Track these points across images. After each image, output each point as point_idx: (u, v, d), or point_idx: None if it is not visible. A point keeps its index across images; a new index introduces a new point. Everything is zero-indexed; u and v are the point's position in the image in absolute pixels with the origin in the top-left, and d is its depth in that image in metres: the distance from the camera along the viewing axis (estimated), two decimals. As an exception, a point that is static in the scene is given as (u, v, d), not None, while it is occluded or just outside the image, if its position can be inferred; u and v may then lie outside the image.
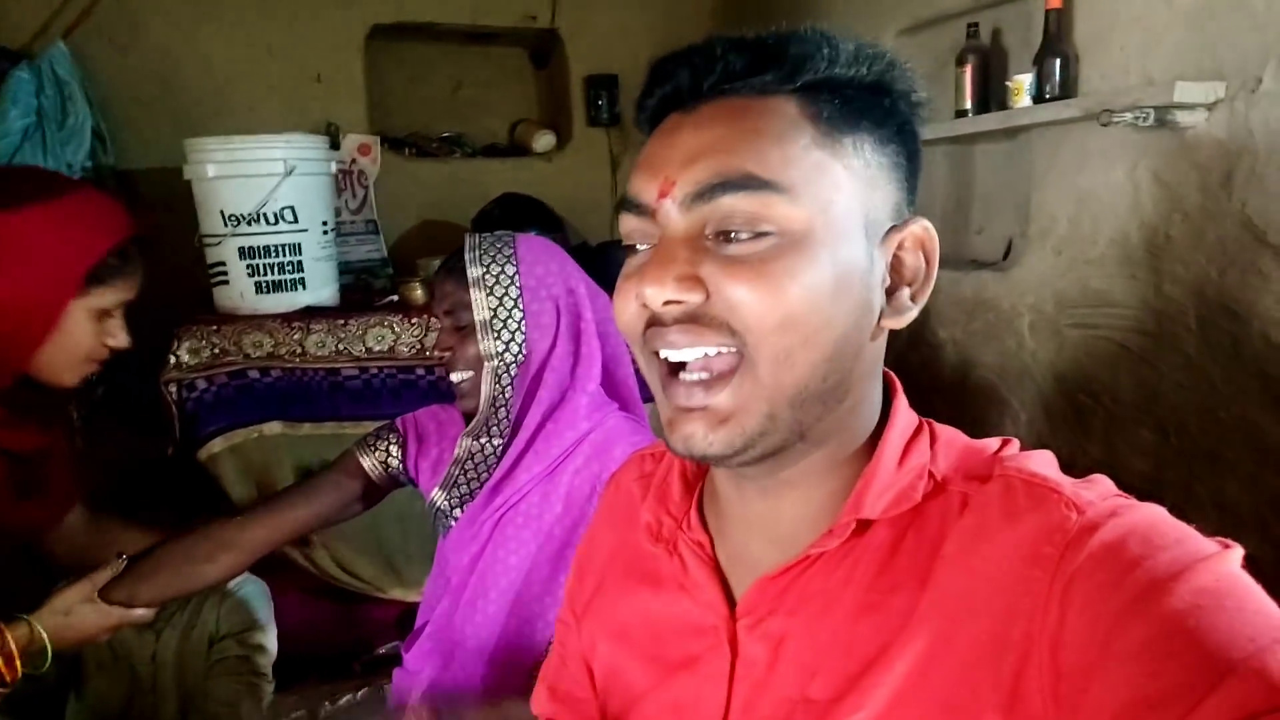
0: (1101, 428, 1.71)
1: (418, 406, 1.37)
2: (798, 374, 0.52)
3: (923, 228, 0.57)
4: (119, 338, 1.14)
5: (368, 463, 1.27)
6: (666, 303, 0.52)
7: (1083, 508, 0.49)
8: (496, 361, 1.18)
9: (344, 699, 1.91)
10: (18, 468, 1.10)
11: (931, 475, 0.56)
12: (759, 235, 0.51)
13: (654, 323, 0.54)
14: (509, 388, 1.20)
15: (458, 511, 1.21)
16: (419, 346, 2.00)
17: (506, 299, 1.19)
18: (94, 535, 1.34)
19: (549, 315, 1.21)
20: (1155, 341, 1.59)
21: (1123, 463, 1.65)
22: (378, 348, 1.99)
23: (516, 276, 1.20)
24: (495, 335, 1.18)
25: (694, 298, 0.52)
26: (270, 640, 1.81)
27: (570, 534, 1.20)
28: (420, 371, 2.00)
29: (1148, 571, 0.44)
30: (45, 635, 1.10)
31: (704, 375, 0.53)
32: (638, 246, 0.57)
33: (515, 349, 1.19)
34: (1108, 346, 1.70)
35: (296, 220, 2.04)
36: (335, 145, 2.55)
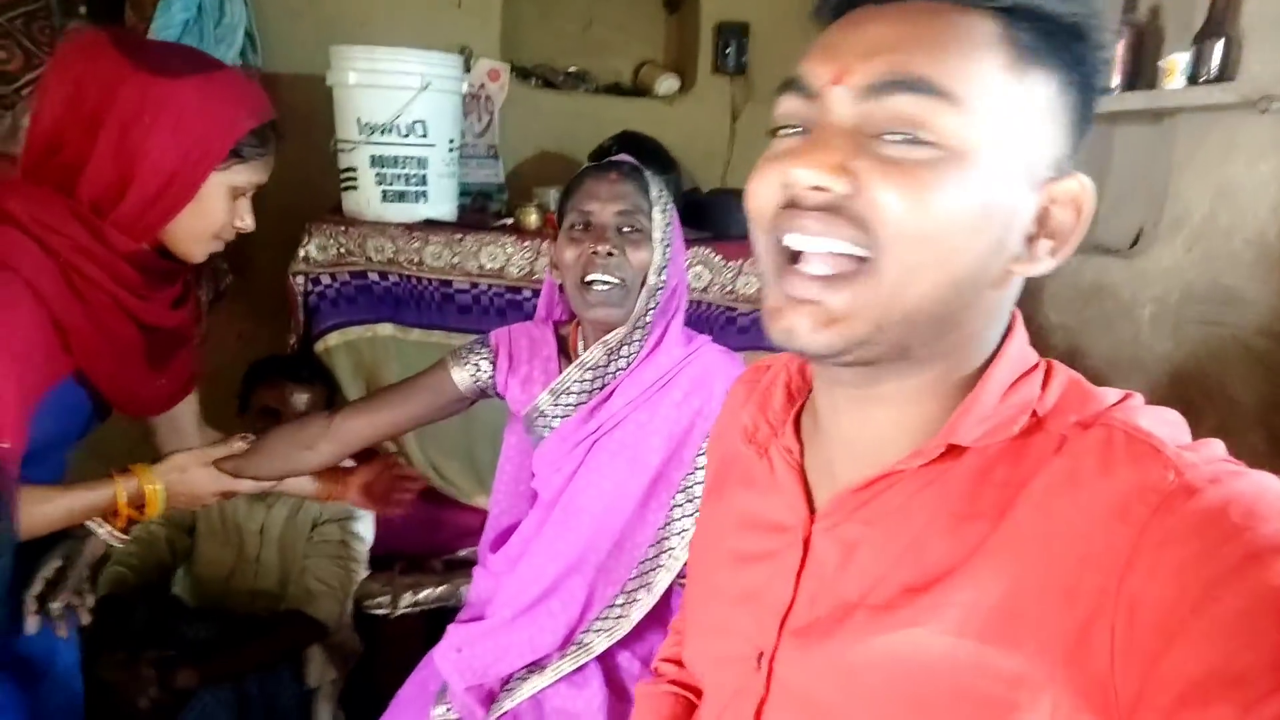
0: (1212, 429, 1.65)
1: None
2: (919, 291, 0.52)
3: (1080, 184, 0.55)
4: (246, 220, 1.18)
5: (458, 375, 1.29)
6: (815, 188, 0.52)
7: (1182, 470, 0.47)
8: (655, 279, 1.19)
9: (424, 592, 2.02)
10: (149, 339, 1.16)
11: (1035, 413, 0.55)
12: (921, 143, 0.50)
13: (790, 206, 0.54)
14: (652, 311, 1.21)
15: (557, 421, 1.24)
16: (529, 269, 2.06)
17: (670, 226, 1.21)
18: (197, 435, 1.41)
19: (681, 251, 1.25)
20: (1282, 346, 1.53)
21: (1230, 465, 1.60)
22: (490, 265, 2.05)
23: (670, 206, 1.23)
24: (662, 254, 1.20)
25: (841, 187, 0.51)
26: (367, 529, 1.93)
27: (665, 465, 1.22)
28: (527, 293, 2.06)
29: (1246, 543, 0.43)
30: (160, 487, 1.18)
31: (825, 270, 0.53)
32: (785, 130, 0.56)
33: (665, 276, 1.21)
34: (1231, 346, 1.64)
35: (426, 135, 2.11)
36: (467, 68, 2.60)
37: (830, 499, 0.61)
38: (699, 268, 2.09)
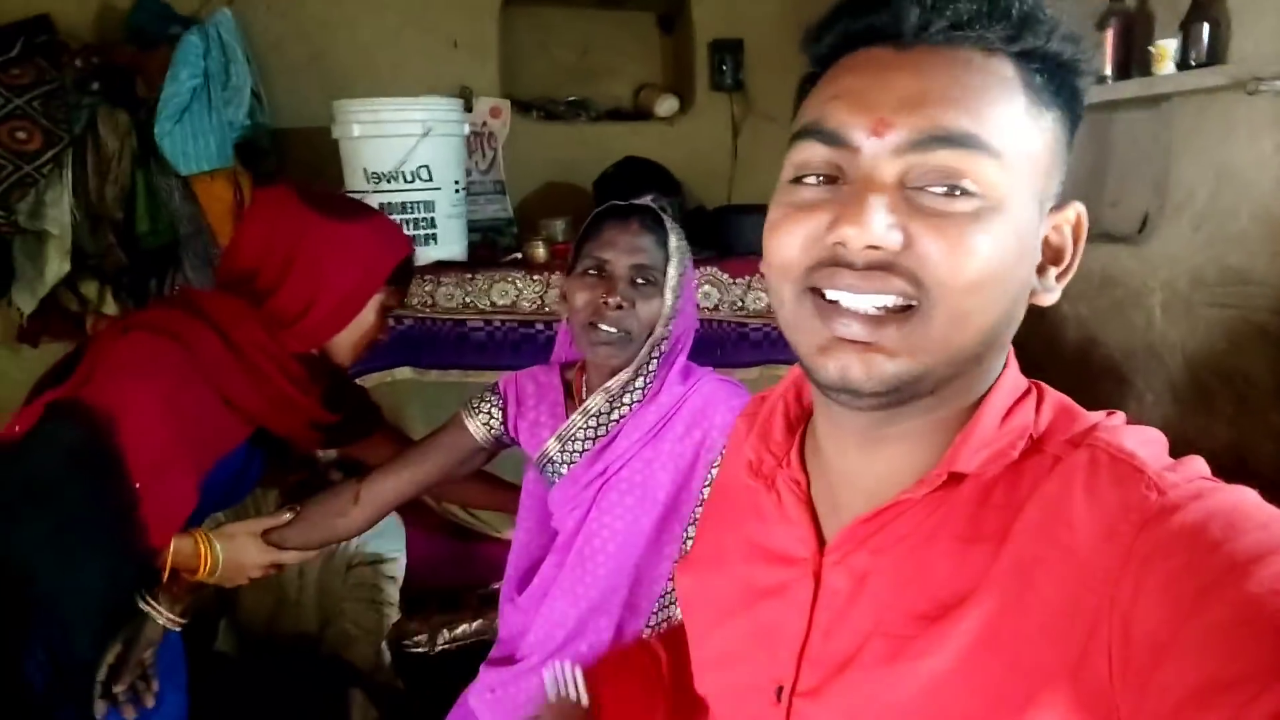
0: (1231, 410, 1.64)
1: (536, 359, 1.43)
2: (967, 336, 0.52)
3: (1076, 212, 0.57)
4: (385, 332, 1.44)
5: (472, 425, 1.32)
6: (869, 246, 0.51)
7: (1164, 489, 0.49)
8: (661, 330, 1.20)
9: (460, 628, 2.05)
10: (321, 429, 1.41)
11: (1030, 436, 0.57)
12: (965, 194, 0.51)
13: (829, 263, 0.53)
14: (655, 360, 1.22)
15: (564, 469, 1.26)
16: (539, 302, 2.09)
17: (684, 276, 1.23)
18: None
19: (692, 300, 1.27)
20: (1296, 323, 1.51)
21: (1251, 447, 1.58)
22: (501, 302, 2.09)
23: (687, 258, 1.24)
24: (672, 305, 1.21)
25: (895, 244, 0.51)
26: (399, 570, 1.97)
27: (674, 499, 1.23)
28: (539, 326, 2.09)
29: (1229, 554, 0.44)
30: (218, 550, 1.26)
31: (875, 311, 0.52)
32: (807, 180, 0.55)
33: (671, 327, 1.22)
34: (1244, 327, 1.62)
35: (431, 179, 2.16)
36: (468, 108, 2.66)
37: (839, 532, 0.62)
38: (707, 287, 2.11)
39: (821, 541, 0.64)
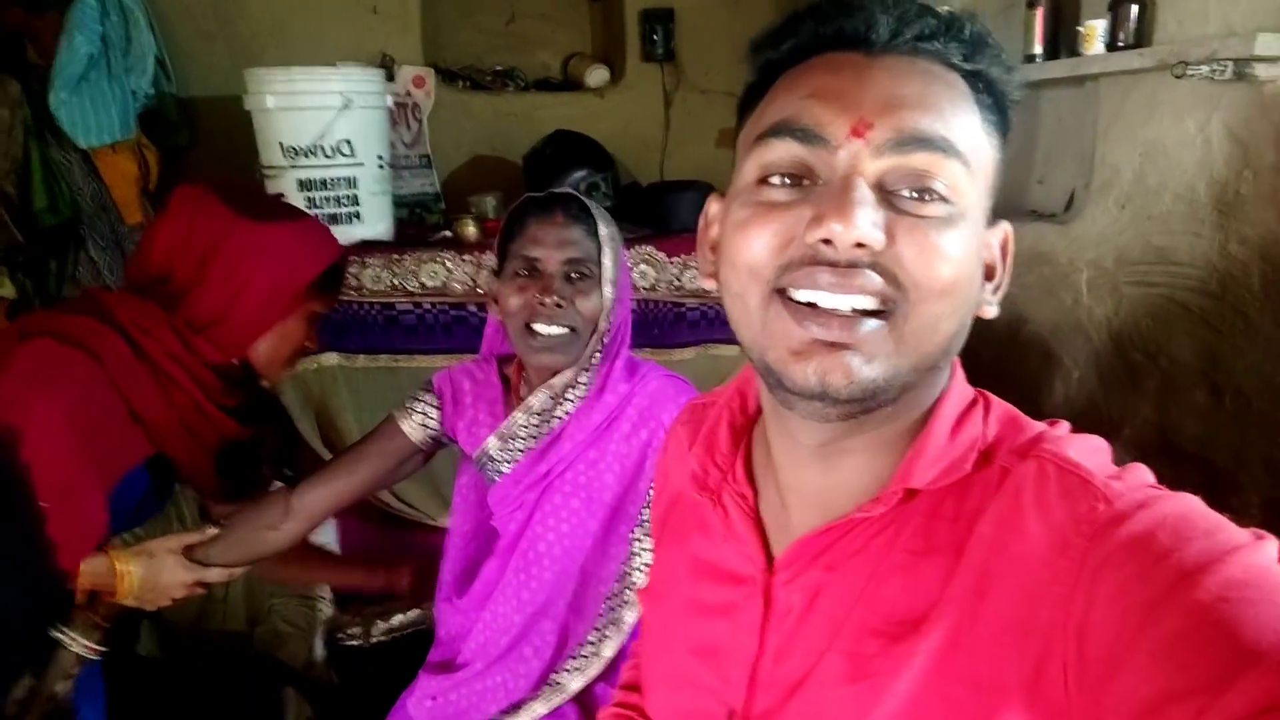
0: (1155, 388, 1.69)
1: (469, 341, 1.38)
2: (935, 341, 0.53)
3: (1005, 231, 0.59)
4: (313, 341, 1.37)
5: (407, 426, 1.27)
6: (857, 244, 0.50)
7: (1111, 499, 0.49)
8: (604, 324, 1.16)
9: (396, 618, 2.00)
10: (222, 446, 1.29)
11: (980, 448, 0.57)
12: (937, 199, 0.51)
13: (807, 262, 0.52)
14: (598, 354, 1.18)
15: (506, 466, 1.22)
16: (471, 283, 2.03)
17: (619, 267, 1.18)
18: None
19: (628, 287, 1.23)
20: (1217, 302, 1.56)
21: (1174, 424, 1.64)
22: (431, 284, 2.02)
23: (619, 243, 1.20)
24: (611, 296, 1.16)
25: (879, 244, 0.50)
26: (329, 562, 1.90)
27: (621, 500, 1.20)
28: (472, 308, 2.03)
29: (1176, 563, 0.44)
30: (133, 569, 1.17)
31: (850, 312, 0.51)
32: (773, 180, 0.54)
33: (612, 318, 1.18)
34: (1167, 306, 1.67)
35: (353, 154, 2.06)
36: (390, 77, 2.55)
37: (788, 548, 0.61)
38: (643, 266, 2.08)
39: (770, 558, 0.63)
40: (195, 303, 1.22)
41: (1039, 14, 1.85)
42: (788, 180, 0.54)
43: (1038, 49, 1.87)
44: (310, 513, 1.25)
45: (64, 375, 1.10)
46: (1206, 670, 0.41)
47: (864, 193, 0.50)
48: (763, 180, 0.55)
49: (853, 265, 0.50)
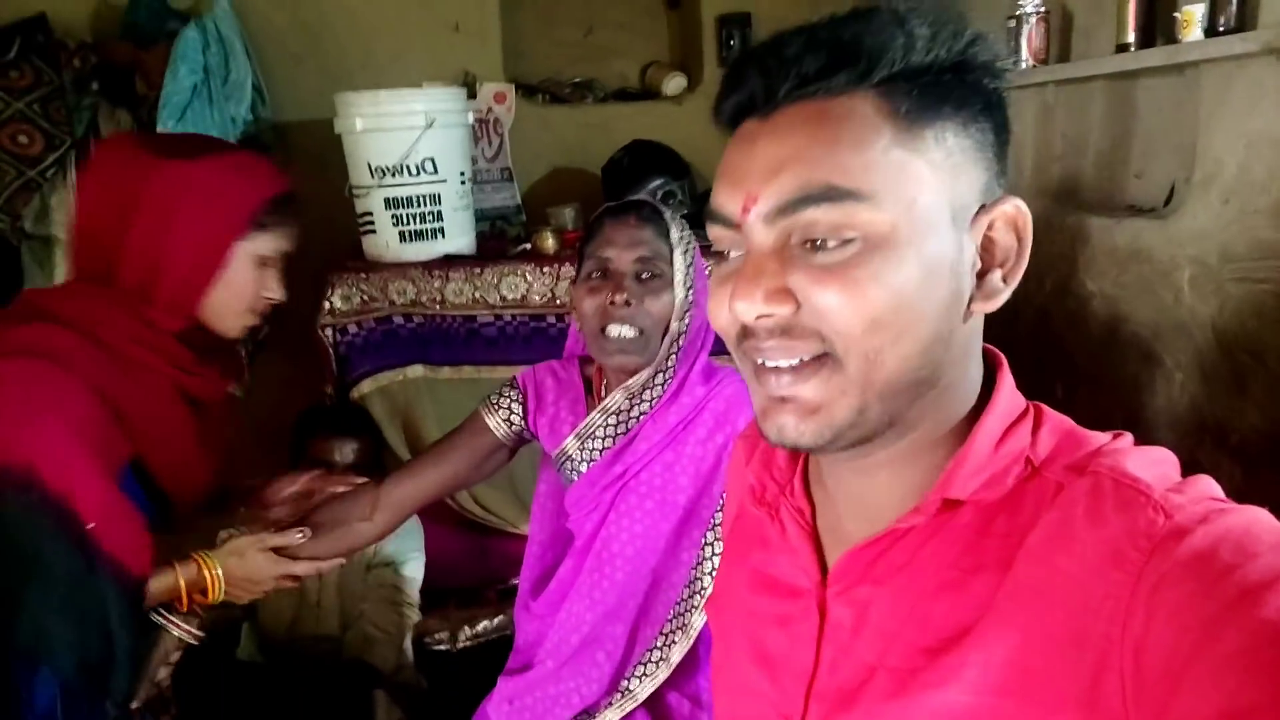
0: (1263, 390, 1.59)
1: (548, 352, 1.39)
2: (888, 370, 0.53)
3: (1014, 206, 0.56)
4: (275, 290, 1.21)
5: (492, 421, 1.30)
6: (759, 317, 0.53)
7: (1171, 512, 0.48)
8: (677, 325, 1.18)
9: (481, 624, 2.05)
10: (200, 420, 1.19)
11: (1029, 461, 0.56)
12: (844, 242, 0.52)
13: (748, 333, 0.55)
14: (674, 355, 1.19)
15: (584, 466, 1.24)
16: (550, 295, 2.07)
17: (692, 268, 1.19)
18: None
19: (705, 290, 1.23)
20: (1332, 299, 1.46)
21: (1285, 429, 1.54)
22: (511, 296, 2.06)
23: (693, 247, 1.21)
24: (685, 297, 1.18)
25: (784, 310, 0.53)
26: (418, 570, 1.97)
27: (695, 504, 1.21)
28: (551, 319, 2.07)
29: (1240, 580, 0.43)
30: (219, 572, 1.18)
31: (793, 362, 0.54)
32: (730, 253, 0.58)
33: (688, 320, 1.19)
34: (1275, 303, 1.56)
35: (436, 171, 2.13)
36: (472, 94, 2.61)
37: (838, 561, 0.62)
38: (720, 273, 2.07)
39: (824, 571, 0.64)
40: (124, 264, 1.10)
41: (1132, 0, 1.77)
42: (736, 253, 0.58)
43: (1131, 37, 1.78)
44: (399, 505, 1.28)
45: (47, 395, 1.03)
46: (1271, 689, 0.40)
47: (757, 266, 0.54)
48: (719, 254, 0.59)
49: (774, 332, 0.54)
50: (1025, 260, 0.57)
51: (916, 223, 0.52)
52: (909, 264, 0.52)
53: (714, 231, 0.58)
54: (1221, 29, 1.56)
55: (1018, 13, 2.02)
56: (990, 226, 0.55)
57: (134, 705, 1.19)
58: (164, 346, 1.12)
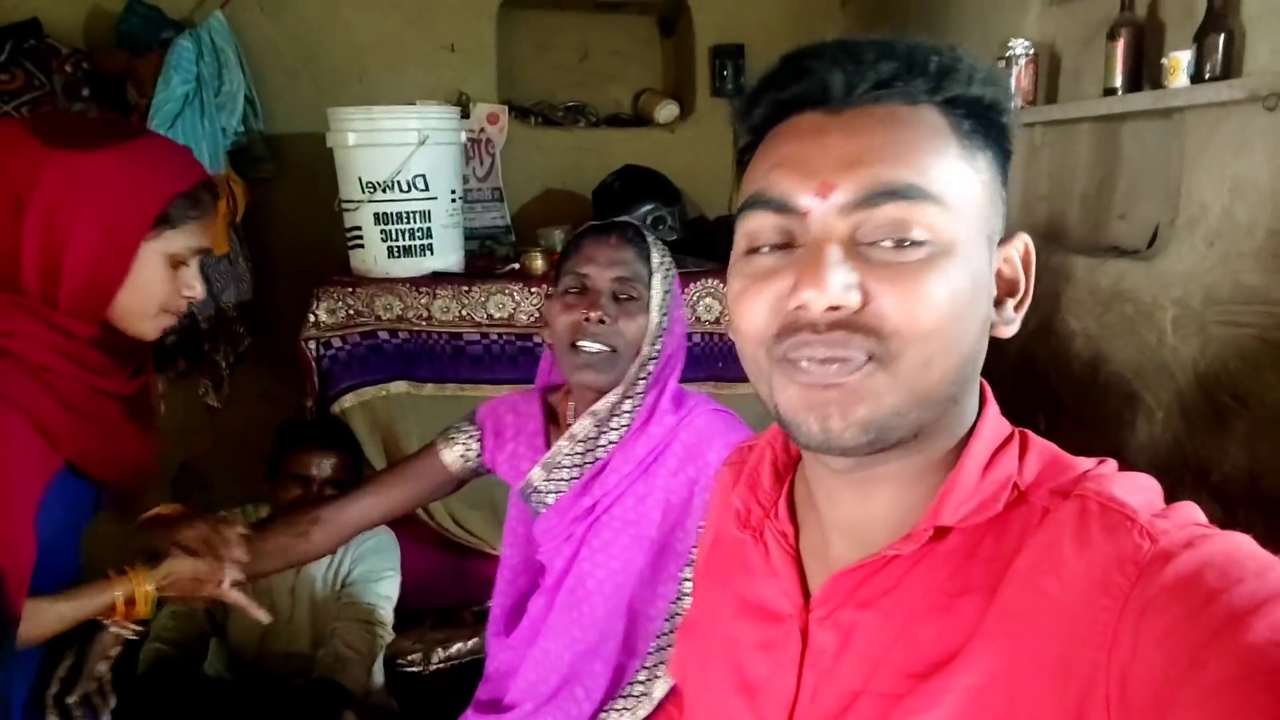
0: (1245, 431, 1.60)
1: (533, 372, 1.37)
2: (933, 379, 0.53)
3: (1025, 242, 0.59)
4: (195, 288, 1.12)
5: (448, 456, 1.29)
6: (829, 308, 0.52)
7: (1156, 537, 0.48)
8: (649, 349, 1.17)
9: (455, 646, 2.02)
10: (127, 405, 1.14)
11: (1016, 486, 0.56)
12: (915, 243, 0.52)
13: (794, 328, 0.53)
14: (644, 381, 1.18)
15: (551, 497, 1.21)
16: (537, 315, 2.06)
17: (670, 294, 1.19)
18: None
19: (681, 320, 1.23)
20: (1313, 344, 1.47)
21: (1265, 470, 1.55)
22: (498, 315, 2.05)
23: (672, 274, 1.20)
24: (659, 322, 1.17)
25: (855, 302, 0.51)
26: (393, 589, 1.93)
27: (669, 537, 1.19)
28: (537, 340, 2.06)
29: (1225, 605, 0.43)
30: (151, 589, 1.13)
31: (840, 363, 0.53)
32: (763, 249, 0.56)
33: (660, 345, 1.18)
34: (1258, 346, 1.58)
35: (427, 188, 2.12)
36: (466, 114, 2.62)
37: (823, 585, 0.61)
38: (709, 300, 2.08)
39: (807, 596, 0.63)
40: (25, 267, 1.01)
41: (1120, 45, 1.80)
42: (774, 247, 0.56)
43: (1118, 81, 1.82)
44: (339, 525, 1.26)
45: None
46: (1259, 716, 0.40)
47: (833, 255, 0.52)
48: (751, 250, 0.57)
49: (835, 326, 0.52)
50: (1030, 295, 0.59)
51: (972, 235, 0.54)
52: (964, 275, 0.53)
53: (761, 220, 0.56)
54: (1207, 76, 1.59)
55: (1007, 54, 2.05)
56: (1006, 259, 0.58)
57: (70, 700, 1.15)
58: (77, 354, 1.04)
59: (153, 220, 1.04)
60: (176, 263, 1.09)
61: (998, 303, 0.58)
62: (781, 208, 0.54)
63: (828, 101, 0.55)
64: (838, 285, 0.51)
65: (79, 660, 1.17)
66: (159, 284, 1.08)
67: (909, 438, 0.55)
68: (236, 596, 1.19)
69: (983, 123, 0.56)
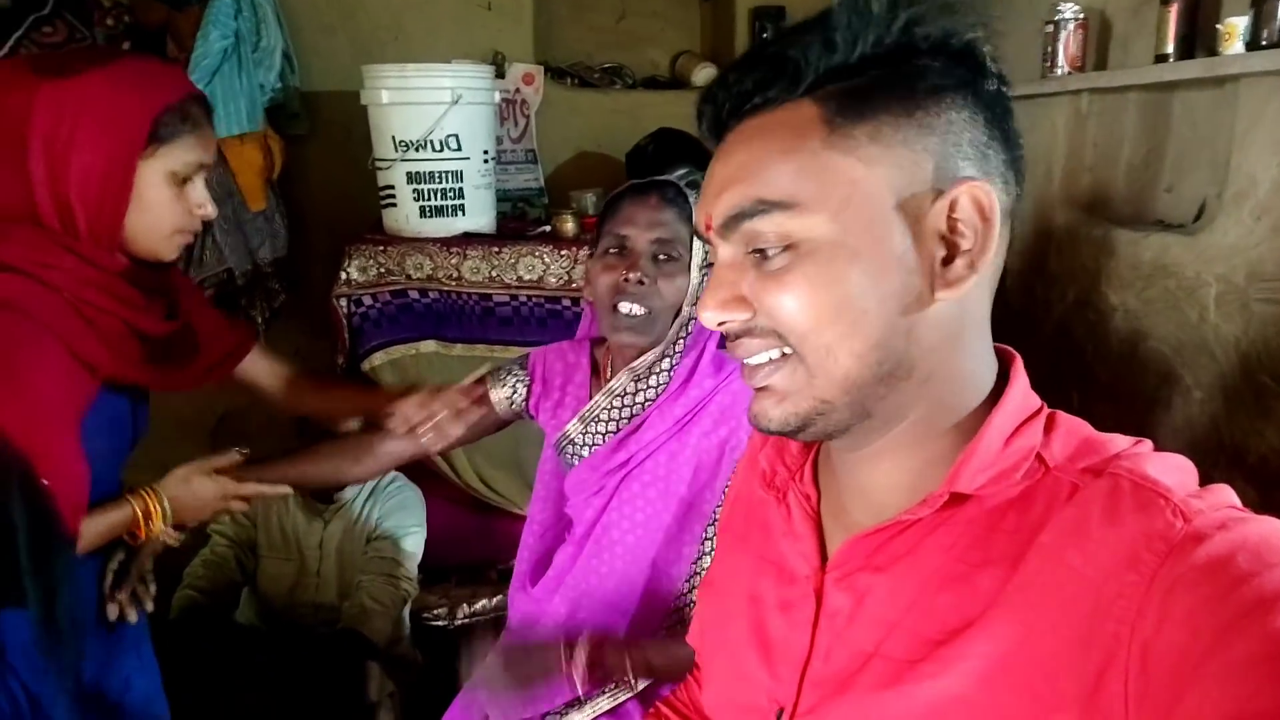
0: (1285, 414, 1.56)
1: (562, 335, 1.39)
2: (842, 364, 0.55)
3: (974, 189, 0.53)
4: (205, 207, 1.13)
5: (495, 395, 1.31)
6: (720, 323, 0.59)
7: (1190, 516, 0.48)
8: (688, 310, 1.17)
9: (480, 602, 2.05)
10: (152, 346, 1.17)
11: (1042, 460, 0.56)
12: (784, 249, 0.55)
13: (727, 335, 0.60)
14: (683, 340, 1.19)
15: (586, 450, 1.23)
16: (567, 278, 2.06)
17: (709, 255, 1.19)
18: (293, 389, 1.43)
19: None
20: (1362, 325, 1.43)
21: (1306, 454, 1.51)
22: (528, 277, 2.06)
23: None
24: (700, 282, 1.17)
25: (741, 316, 0.57)
26: (418, 544, 1.97)
27: (698, 496, 1.20)
28: (566, 302, 2.06)
29: (1256, 588, 0.43)
30: (165, 504, 1.20)
31: (762, 360, 0.59)
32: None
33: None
34: (1304, 326, 1.54)
35: (460, 148, 2.12)
36: (501, 74, 2.60)
37: (840, 548, 0.62)
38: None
39: (825, 559, 0.64)
40: (41, 199, 1.03)
41: (1173, 10, 1.73)
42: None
43: (1170, 47, 1.75)
44: (389, 457, 1.31)
45: (13, 350, 1.01)
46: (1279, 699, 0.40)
47: (718, 278, 0.59)
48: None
49: (737, 335, 0.59)
50: (992, 244, 0.54)
51: (851, 222, 0.54)
52: (845, 264, 0.54)
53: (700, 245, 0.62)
54: (1264, 43, 1.53)
55: (1056, 19, 1.99)
56: (952, 209, 0.54)
57: (121, 595, 1.21)
58: (111, 286, 1.07)
59: (145, 136, 1.05)
60: (180, 180, 1.10)
61: (946, 261, 0.54)
62: (702, 236, 0.62)
63: (716, 133, 0.60)
64: (717, 304, 0.58)
65: (127, 558, 1.24)
66: (166, 204, 1.09)
67: (856, 419, 0.57)
68: (254, 487, 1.26)
69: (865, 90, 0.53)
